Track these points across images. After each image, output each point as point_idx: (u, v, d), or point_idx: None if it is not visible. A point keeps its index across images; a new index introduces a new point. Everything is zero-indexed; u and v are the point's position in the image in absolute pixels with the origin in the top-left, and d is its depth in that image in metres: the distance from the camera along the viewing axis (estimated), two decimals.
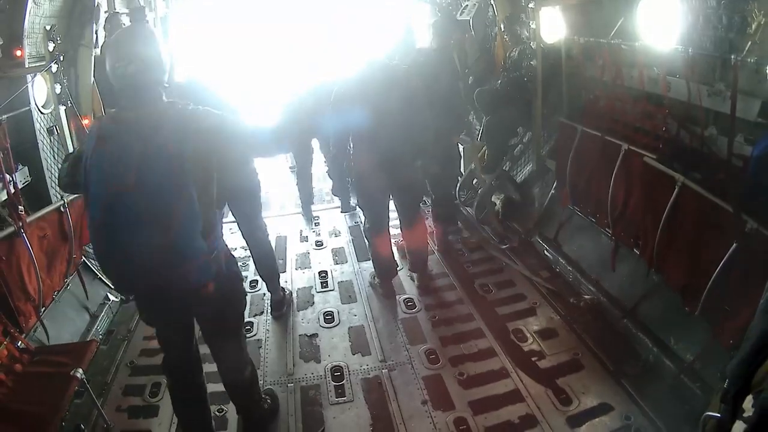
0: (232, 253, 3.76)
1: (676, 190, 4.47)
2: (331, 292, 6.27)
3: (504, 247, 6.87)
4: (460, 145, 7.89)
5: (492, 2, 7.37)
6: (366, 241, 6.37)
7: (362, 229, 7.03)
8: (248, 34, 12.29)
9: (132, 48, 3.11)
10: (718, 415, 2.16)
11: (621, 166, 5.25)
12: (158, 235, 3.00)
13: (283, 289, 6.01)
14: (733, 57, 3.86)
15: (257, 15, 12.13)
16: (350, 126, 5.30)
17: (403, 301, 5.92)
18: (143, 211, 2.98)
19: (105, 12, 6.98)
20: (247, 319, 5.65)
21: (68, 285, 5.69)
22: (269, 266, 5.75)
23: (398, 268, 6.24)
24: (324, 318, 5.72)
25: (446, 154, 6.75)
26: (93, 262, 6.24)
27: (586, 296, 5.53)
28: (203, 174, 3.10)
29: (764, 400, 1.70)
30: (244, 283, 3.88)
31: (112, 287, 5.15)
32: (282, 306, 5.90)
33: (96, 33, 6.68)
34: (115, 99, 3.38)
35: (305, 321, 5.73)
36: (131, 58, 3.06)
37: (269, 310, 5.94)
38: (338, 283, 6.45)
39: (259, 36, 12.24)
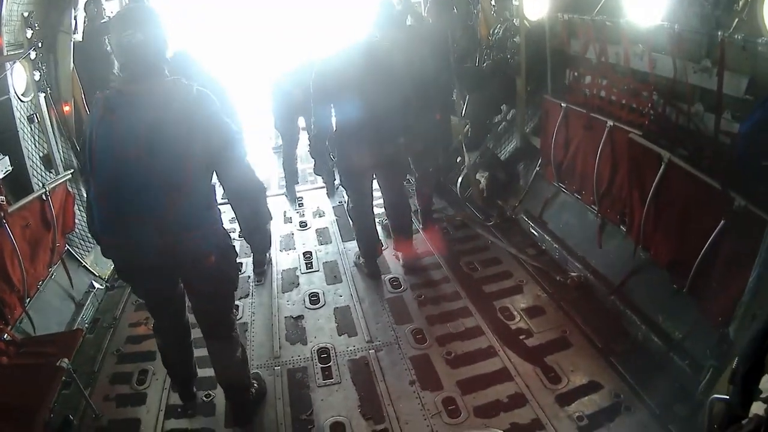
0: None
1: (662, 167, 4.48)
2: (315, 273, 6.25)
3: (489, 224, 6.88)
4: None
5: None
6: (350, 220, 6.36)
7: (346, 208, 6.88)
8: (243, 7, 12.24)
9: (138, 20, 3.20)
10: (727, 397, 2.13)
11: (606, 142, 5.26)
12: (166, 203, 3.18)
13: None
14: (720, 33, 3.85)
15: None
16: (331, 103, 5.28)
17: (389, 280, 5.91)
18: (151, 179, 3.13)
19: None
20: None
21: (52, 274, 5.63)
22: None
23: (383, 248, 6.18)
24: (309, 299, 5.70)
25: (430, 132, 6.69)
26: (77, 249, 6.21)
27: (573, 273, 5.54)
28: (205, 149, 3.23)
29: None
30: (236, 259, 3.88)
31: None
32: (263, 263, 6.07)
33: (75, 19, 6.56)
34: (99, 80, 3.48)
35: (290, 303, 5.70)
36: (138, 29, 3.14)
37: (253, 294, 5.94)
38: (323, 263, 6.42)
39: (255, 10, 12.20)
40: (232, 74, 9.79)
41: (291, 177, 8.42)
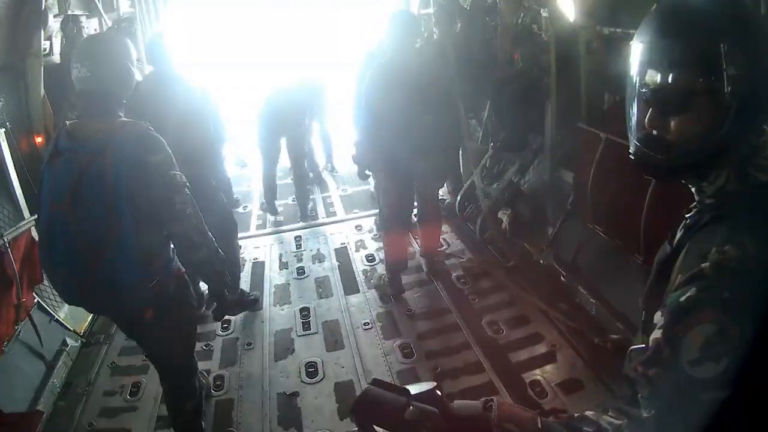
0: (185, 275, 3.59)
1: None
2: (314, 335, 5.50)
3: (510, 265, 6.24)
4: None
5: None
6: (379, 231, 6.95)
7: (376, 221, 7.53)
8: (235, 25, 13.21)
9: (92, 52, 3.11)
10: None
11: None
12: (89, 258, 3.01)
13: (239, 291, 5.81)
14: None
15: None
16: (380, 109, 5.26)
17: (399, 347, 5.16)
18: (76, 234, 3.00)
19: (55, 16, 6.30)
20: (217, 372, 5.09)
21: (19, 332, 5.05)
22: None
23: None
24: (306, 371, 4.99)
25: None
26: (49, 301, 5.59)
27: (613, 336, 4.72)
28: (144, 202, 3.02)
29: None
30: (193, 310, 3.78)
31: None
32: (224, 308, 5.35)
33: (50, 39, 6.18)
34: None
35: (284, 375, 4.97)
36: (87, 63, 3.03)
37: (241, 361, 5.25)
38: (322, 323, 5.68)
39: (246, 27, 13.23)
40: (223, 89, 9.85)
41: (270, 193, 8.63)
